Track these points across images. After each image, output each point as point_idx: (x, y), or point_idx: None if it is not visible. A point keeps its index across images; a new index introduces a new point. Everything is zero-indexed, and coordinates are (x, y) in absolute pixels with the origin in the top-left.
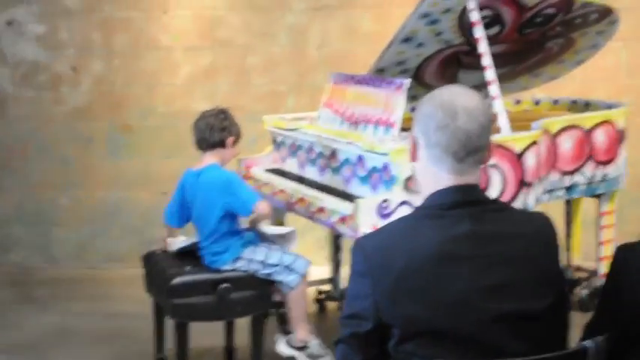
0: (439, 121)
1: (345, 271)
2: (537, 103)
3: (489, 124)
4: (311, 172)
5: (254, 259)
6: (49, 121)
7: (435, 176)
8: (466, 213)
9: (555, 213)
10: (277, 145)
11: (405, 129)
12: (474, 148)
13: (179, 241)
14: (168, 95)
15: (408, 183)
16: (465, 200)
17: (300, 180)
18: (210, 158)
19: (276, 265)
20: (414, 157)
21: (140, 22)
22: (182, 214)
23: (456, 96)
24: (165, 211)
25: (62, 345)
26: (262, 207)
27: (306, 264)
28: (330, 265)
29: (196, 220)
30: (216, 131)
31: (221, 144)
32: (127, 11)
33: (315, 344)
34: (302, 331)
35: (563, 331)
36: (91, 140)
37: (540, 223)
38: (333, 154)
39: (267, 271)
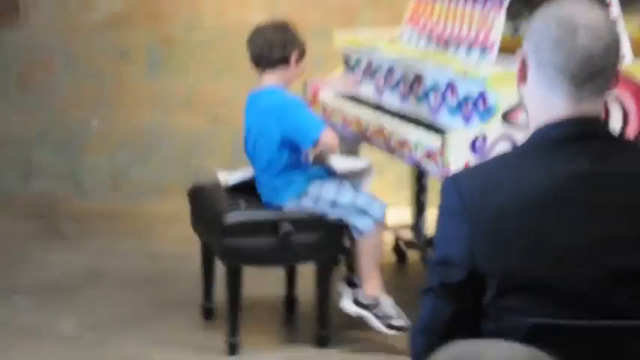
0: (555, 37)
1: (430, 215)
2: None
3: (617, 46)
4: (391, 99)
5: (322, 197)
6: (77, 30)
7: (546, 103)
8: (585, 149)
9: None
10: (350, 66)
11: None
12: (596, 70)
13: (234, 176)
14: (219, 5)
15: (509, 115)
16: (584, 134)
17: (378, 108)
18: (271, 78)
19: (348, 206)
20: (522, 78)
21: None
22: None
23: (576, 10)
24: (244, 145)
25: (94, 288)
26: (328, 137)
27: (382, 207)
28: (412, 208)
29: (253, 151)
30: (276, 47)
31: (284, 61)
32: None
33: (386, 303)
34: (372, 287)
35: None
36: (127, 54)
37: None
38: (418, 78)
39: (336, 212)
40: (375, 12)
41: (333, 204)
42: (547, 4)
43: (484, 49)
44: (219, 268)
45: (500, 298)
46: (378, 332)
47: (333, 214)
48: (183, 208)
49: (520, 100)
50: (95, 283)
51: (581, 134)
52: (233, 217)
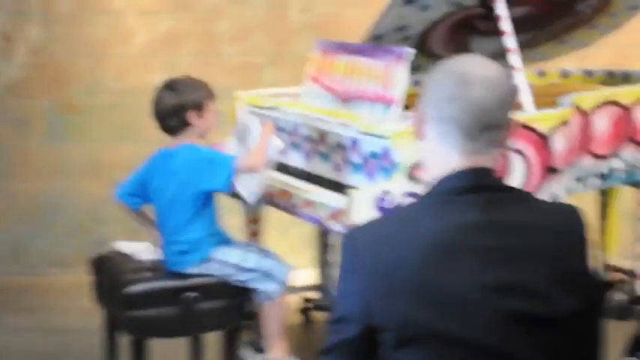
0: (450, 91)
1: (336, 274)
2: (566, 75)
3: (510, 99)
4: (295, 159)
5: (227, 262)
6: None
7: (442, 157)
8: (477, 199)
9: (588, 205)
10: None
11: (407, 107)
12: (490, 123)
13: (144, 253)
14: (119, 68)
15: (414, 171)
16: (478, 185)
17: (282, 168)
18: (181, 139)
19: (253, 271)
20: (419, 134)
21: None
22: (142, 194)
23: (471, 64)
24: (121, 186)
25: None
26: (245, 161)
27: (287, 270)
28: (318, 268)
29: (162, 210)
30: (170, 116)
31: (184, 125)
32: None
33: None
34: (278, 350)
35: (593, 345)
36: (28, 121)
37: (567, 216)
38: (322, 137)
39: (241, 277)
40: (277, 71)
41: (238, 268)
42: (443, 60)
43: (387, 105)
44: (124, 341)
45: (398, 350)
46: None
47: (238, 279)
48: (86, 279)
49: (419, 155)
50: None
51: (472, 186)
52: (136, 287)
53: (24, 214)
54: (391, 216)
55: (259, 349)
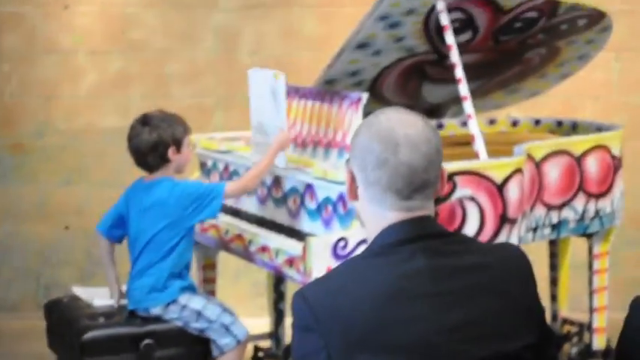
0: (377, 156)
1: (288, 323)
2: (515, 123)
3: (438, 154)
4: (248, 204)
5: (188, 307)
6: None
7: (378, 216)
8: (419, 247)
9: (538, 255)
10: (206, 170)
11: None
12: (420, 183)
13: (100, 298)
14: (69, 108)
15: None
16: (418, 234)
17: (236, 213)
18: (160, 174)
19: (213, 322)
20: (352, 195)
21: (35, 19)
22: (121, 228)
23: (395, 123)
24: (102, 220)
25: None
26: (233, 187)
27: (245, 331)
28: (271, 316)
29: (137, 243)
30: (148, 153)
31: (163, 161)
32: (19, 5)
33: None
34: None
35: None
36: None
37: (509, 253)
38: (276, 182)
39: (200, 325)
40: (228, 114)
41: (199, 315)
42: (367, 118)
43: (342, 151)
44: None
45: None
46: None
47: (195, 326)
48: (36, 323)
49: (357, 213)
50: None
51: (414, 235)
52: (93, 334)
53: None
54: (337, 270)
55: None
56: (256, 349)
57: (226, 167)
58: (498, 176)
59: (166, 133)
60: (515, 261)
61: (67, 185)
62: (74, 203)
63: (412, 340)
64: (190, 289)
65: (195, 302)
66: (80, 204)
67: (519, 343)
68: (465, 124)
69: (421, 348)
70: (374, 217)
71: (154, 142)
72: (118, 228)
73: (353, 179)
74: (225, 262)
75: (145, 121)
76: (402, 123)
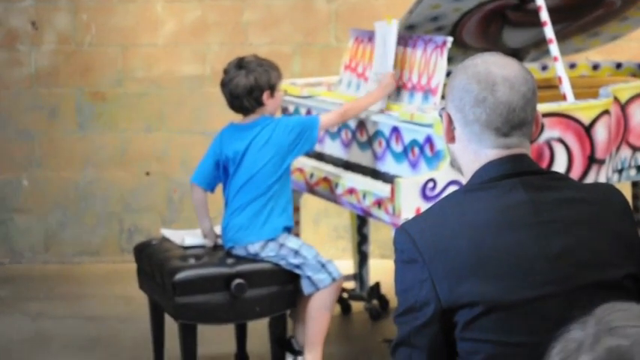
0: (476, 95)
1: (372, 264)
2: (596, 67)
3: (533, 95)
4: (332, 148)
5: (286, 245)
6: (4, 88)
7: (478, 155)
8: (519, 182)
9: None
10: (288, 115)
11: (444, 96)
12: (518, 121)
13: (191, 238)
14: (147, 57)
15: None
16: (517, 170)
17: (320, 157)
18: (255, 117)
19: (310, 258)
20: (450, 137)
21: None
22: (215, 176)
23: (492, 65)
24: (196, 171)
25: (38, 353)
26: (327, 118)
27: (340, 273)
28: (354, 258)
29: (234, 183)
30: (244, 96)
31: (258, 105)
32: None
33: None
34: (314, 355)
35: None
36: (57, 110)
37: (607, 190)
38: (361, 125)
39: (297, 260)
40: (305, 61)
41: (296, 254)
42: (463, 62)
43: (427, 94)
44: (169, 328)
45: (469, 327)
46: None
47: (292, 261)
48: (119, 266)
49: (452, 157)
50: (40, 348)
51: (513, 171)
52: (184, 274)
53: (55, 202)
54: (437, 205)
55: (292, 349)
56: (341, 290)
57: (308, 112)
58: (586, 118)
59: (262, 77)
60: (613, 197)
61: (147, 132)
62: (154, 150)
63: (513, 267)
64: (289, 229)
65: (293, 242)
66: (160, 150)
67: (620, 272)
68: (544, 68)
69: (525, 274)
70: (473, 156)
71: (250, 86)
72: (213, 176)
73: (450, 121)
74: (306, 206)
75: (240, 64)
76: (499, 65)
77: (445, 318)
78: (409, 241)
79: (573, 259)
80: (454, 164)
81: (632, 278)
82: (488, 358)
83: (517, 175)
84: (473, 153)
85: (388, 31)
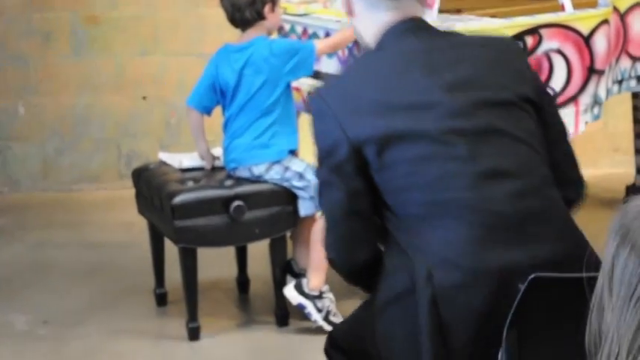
0: None
1: None
2: None
3: None
4: (329, 65)
5: (290, 169)
6: None
7: (375, 21)
8: (419, 34)
9: (623, 109)
10: (284, 34)
11: (442, 10)
12: None
13: (188, 159)
14: None
15: None
16: (415, 26)
17: (316, 75)
18: (251, 33)
19: (314, 181)
20: (350, 12)
21: None
22: (211, 98)
23: None
24: (192, 94)
25: (39, 281)
26: (323, 45)
27: None
28: None
29: (233, 104)
30: (245, 7)
31: (259, 17)
32: None
33: (328, 298)
34: (318, 279)
35: (557, 127)
36: (51, 35)
37: (505, 39)
38: (358, 44)
39: (302, 183)
40: None
41: (301, 177)
42: None
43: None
44: (168, 252)
45: (382, 156)
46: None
47: (296, 184)
48: (118, 192)
49: (358, 35)
50: (41, 276)
51: (410, 27)
52: (182, 196)
53: (52, 129)
54: (345, 70)
55: (292, 272)
56: None
57: (305, 30)
58: (585, 28)
59: None
60: (510, 44)
61: (142, 55)
62: (150, 73)
63: (417, 95)
64: (293, 152)
65: (297, 165)
66: (156, 74)
67: (513, 93)
68: None
69: (425, 108)
70: (371, 23)
71: None
72: (209, 99)
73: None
74: (304, 126)
75: None
76: None
77: (358, 153)
78: (320, 101)
79: (472, 86)
80: (361, 42)
81: (529, 102)
82: (405, 185)
83: (417, 29)
84: (371, 20)
85: None
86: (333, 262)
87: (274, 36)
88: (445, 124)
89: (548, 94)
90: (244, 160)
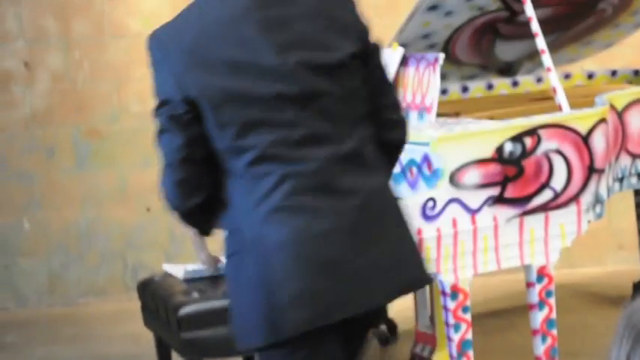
0: None
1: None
2: (591, 76)
3: None
4: None
5: None
6: (1, 130)
7: None
8: None
9: (625, 205)
10: None
11: (440, 114)
12: None
13: (191, 269)
14: (141, 92)
15: (456, 176)
16: None
17: None
18: None
19: None
20: None
21: (103, 5)
22: None
23: None
24: None
25: None
26: None
27: None
28: None
29: None
30: None
31: None
32: None
33: None
34: None
35: (378, 80)
36: (54, 150)
37: None
38: None
39: None
40: None
41: None
42: None
43: (422, 112)
44: None
45: (216, 113)
46: None
47: None
48: (125, 304)
49: None
50: None
51: None
52: (188, 308)
53: (57, 243)
54: (183, 11)
55: None
56: None
57: None
58: (583, 127)
59: None
60: None
61: (145, 167)
62: (154, 184)
63: (245, 55)
64: None
65: None
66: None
67: (342, 52)
68: (539, 80)
69: (252, 64)
70: None
71: None
72: None
73: None
74: None
75: None
76: None
77: (193, 106)
78: (158, 44)
79: (299, 45)
80: None
81: (356, 57)
82: (236, 147)
83: None
84: None
85: (391, 57)
86: (168, 204)
87: None
88: (274, 89)
89: (374, 44)
90: None
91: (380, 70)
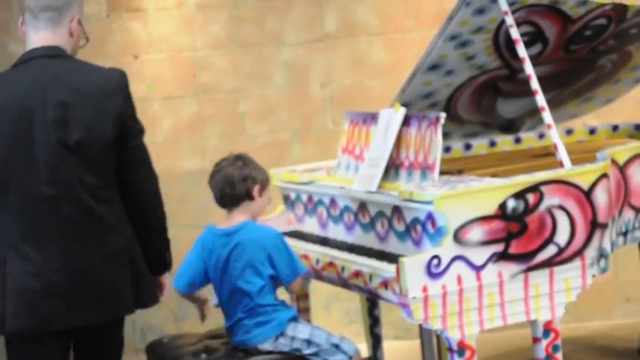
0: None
1: (386, 346)
2: (593, 131)
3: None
4: (336, 232)
5: (297, 337)
6: None
7: (29, 40)
8: (36, 64)
9: (630, 259)
10: (290, 203)
11: (443, 172)
12: (44, 5)
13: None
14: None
15: (461, 234)
16: (40, 54)
17: (324, 242)
18: (239, 216)
19: (323, 344)
20: (23, 33)
21: None
22: (200, 279)
23: None
24: (178, 278)
25: None
26: (298, 284)
27: (354, 347)
28: (368, 341)
29: (226, 288)
30: (237, 183)
31: (247, 196)
32: (90, 59)
33: None
34: None
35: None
36: None
37: (107, 75)
38: (362, 207)
39: (311, 350)
40: (304, 146)
41: (309, 343)
42: None
43: (425, 171)
44: None
45: None
46: None
47: (307, 352)
48: None
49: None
50: None
51: (38, 55)
52: None
53: None
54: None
55: None
56: None
57: (310, 198)
58: (585, 183)
59: (257, 171)
60: (110, 81)
61: None
62: None
63: (25, 129)
64: (294, 318)
65: (302, 331)
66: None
67: (95, 134)
68: (542, 136)
69: (31, 137)
70: (30, 43)
71: (245, 175)
72: (196, 282)
73: (22, 22)
74: (316, 292)
75: (236, 157)
76: None
77: None
78: None
79: (64, 125)
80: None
81: (111, 138)
82: None
83: (40, 57)
84: (30, 39)
85: (394, 118)
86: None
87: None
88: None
89: (132, 126)
90: (249, 341)
91: (133, 150)
